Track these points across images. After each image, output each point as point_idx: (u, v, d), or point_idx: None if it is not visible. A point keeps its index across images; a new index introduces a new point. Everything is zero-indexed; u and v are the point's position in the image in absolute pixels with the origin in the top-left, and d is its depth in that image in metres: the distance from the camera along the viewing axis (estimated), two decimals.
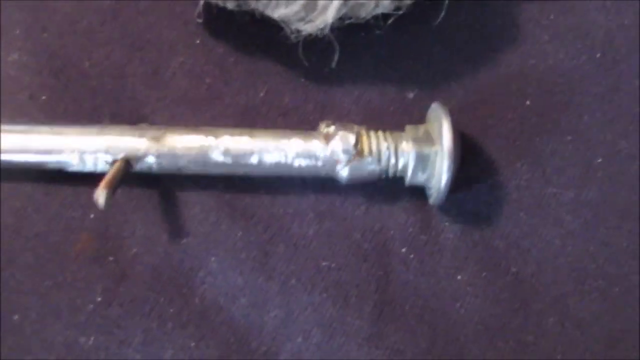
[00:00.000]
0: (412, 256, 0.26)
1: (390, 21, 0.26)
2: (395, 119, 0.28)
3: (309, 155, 0.25)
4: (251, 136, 0.25)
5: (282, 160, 0.25)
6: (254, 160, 0.25)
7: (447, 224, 0.26)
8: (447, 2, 0.27)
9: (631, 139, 0.28)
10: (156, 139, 0.25)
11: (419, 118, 0.28)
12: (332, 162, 0.25)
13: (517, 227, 0.26)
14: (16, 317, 0.25)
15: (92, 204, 0.25)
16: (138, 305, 0.25)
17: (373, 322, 0.25)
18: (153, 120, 0.27)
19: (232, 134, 0.25)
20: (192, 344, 0.24)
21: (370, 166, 0.25)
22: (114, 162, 0.24)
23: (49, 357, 0.24)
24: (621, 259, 0.26)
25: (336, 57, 0.26)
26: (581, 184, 0.27)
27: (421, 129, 0.26)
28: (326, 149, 0.25)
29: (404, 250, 0.26)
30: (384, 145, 0.25)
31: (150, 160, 0.25)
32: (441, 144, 0.24)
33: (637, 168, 0.27)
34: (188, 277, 0.25)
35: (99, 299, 0.25)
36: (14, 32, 0.28)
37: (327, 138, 0.25)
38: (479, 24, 0.29)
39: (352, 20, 0.26)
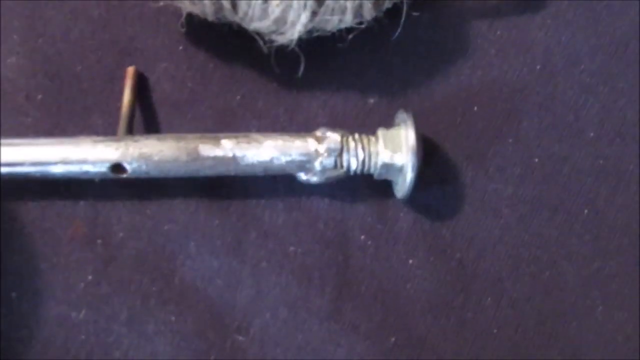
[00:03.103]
0: (369, 243, 0.29)
1: (352, 35, 0.29)
2: (358, 122, 0.31)
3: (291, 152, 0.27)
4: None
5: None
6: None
7: (401, 214, 0.30)
8: (403, 19, 0.30)
9: (564, 143, 0.31)
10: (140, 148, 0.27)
11: (379, 121, 0.31)
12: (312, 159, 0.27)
13: (461, 218, 0.30)
14: (14, 294, 0.27)
15: (82, 193, 0.28)
16: (124, 284, 0.28)
17: (333, 301, 0.28)
18: (139, 120, 0.30)
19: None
20: (172, 319, 0.27)
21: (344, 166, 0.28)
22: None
23: (44, 330, 0.27)
24: (551, 247, 0.30)
25: (302, 68, 0.29)
26: (519, 181, 0.31)
27: (391, 132, 0.28)
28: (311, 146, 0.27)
29: (362, 237, 0.29)
30: (357, 146, 0.28)
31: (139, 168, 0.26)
32: (407, 146, 0.27)
33: (569, 168, 0.31)
34: (169, 260, 0.28)
35: (90, 278, 0.28)
36: (12, 37, 0.31)
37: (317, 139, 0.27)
38: (433, 38, 0.32)
39: (319, 33, 0.29)
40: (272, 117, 0.31)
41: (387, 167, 0.28)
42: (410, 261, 0.29)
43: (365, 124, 0.31)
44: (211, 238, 0.29)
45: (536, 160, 0.31)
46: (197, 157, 0.27)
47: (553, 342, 0.29)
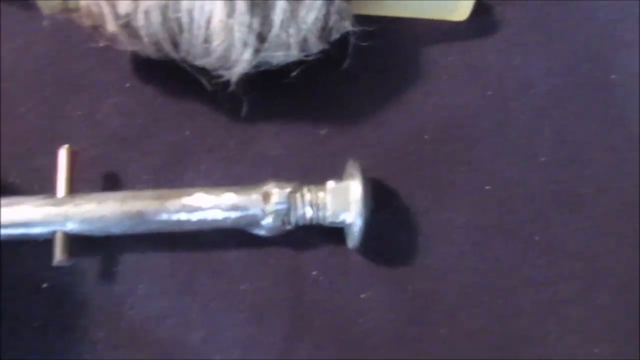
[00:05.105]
0: (321, 278, 0.29)
1: (300, 68, 0.29)
2: (310, 153, 0.31)
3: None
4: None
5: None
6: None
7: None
8: (350, 49, 0.30)
9: (517, 168, 0.31)
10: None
11: (331, 151, 0.31)
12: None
13: (415, 248, 0.30)
14: None
15: None
16: (71, 330, 0.27)
17: (286, 338, 0.28)
18: (88, 157, 0.30)
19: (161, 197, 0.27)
20: None
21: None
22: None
23: None
24: (505, 275, 0.29)
25: (245, 108, 0.29)
26: (473, 209, 0.30)
27: (339, 187, 0.28)
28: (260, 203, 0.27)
29: (314, 273, 0.29)
30: (304, 204, 0.27)
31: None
32: (355, 204, 0.27)
33: (522, 194, 0.31)
34: (117, 304, 0.28)
35: (36, 324, 0.27)
36: None
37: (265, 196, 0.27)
38: (384, 66, 0.32)
39: (266, 67, 0.29)
40: (224, 151, 0.31)
41: (336, 223, 0.28)
42: (364, 295, 0.29)
43: (318, 154, 0.31)
44: (161, 278, 0.28)
45: (490, 187, 0.31)
46: (141, 220, 0.27)
47: None
